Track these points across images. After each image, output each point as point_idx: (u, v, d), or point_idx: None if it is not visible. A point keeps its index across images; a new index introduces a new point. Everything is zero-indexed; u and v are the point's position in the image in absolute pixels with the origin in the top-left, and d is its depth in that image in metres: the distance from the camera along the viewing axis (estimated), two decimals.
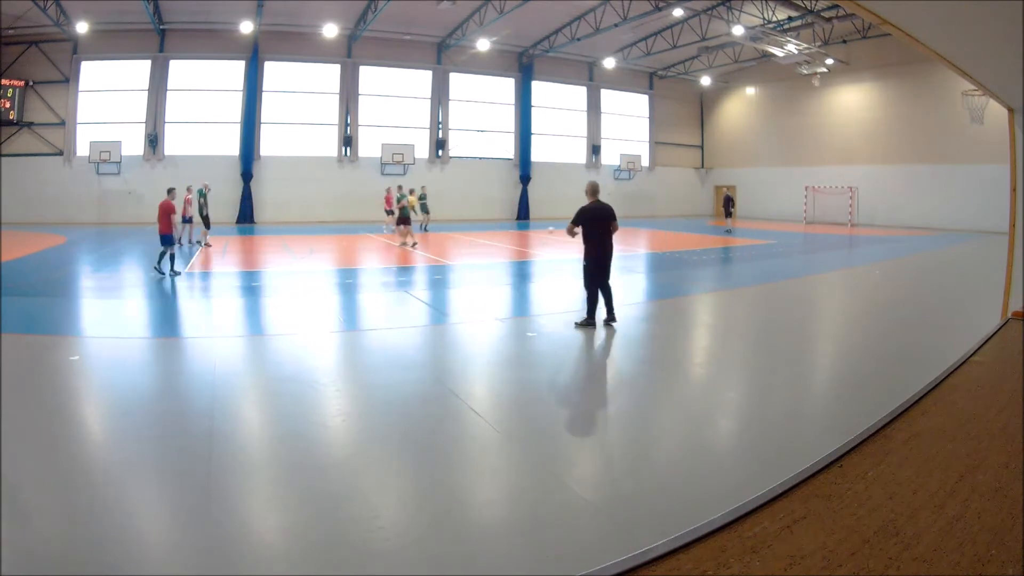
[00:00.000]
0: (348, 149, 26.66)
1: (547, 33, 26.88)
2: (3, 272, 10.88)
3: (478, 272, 12.91)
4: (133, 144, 23.68)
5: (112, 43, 22.67)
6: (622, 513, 3.22)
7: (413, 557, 2.84)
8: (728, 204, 24.02)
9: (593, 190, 7.48)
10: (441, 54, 27.83)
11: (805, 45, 24.80)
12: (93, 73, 23.24)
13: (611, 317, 7.45)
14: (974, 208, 23.20)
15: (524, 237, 21.44)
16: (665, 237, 21.53)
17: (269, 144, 25.50)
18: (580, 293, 10.96)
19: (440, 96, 28.27)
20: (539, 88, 29.97)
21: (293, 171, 25.55)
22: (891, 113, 26.96)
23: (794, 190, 29.96)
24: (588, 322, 7.38)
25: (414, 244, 16.42)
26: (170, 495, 3.39)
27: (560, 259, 15.38)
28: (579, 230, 7.35)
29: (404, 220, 16.40)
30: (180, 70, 24.16)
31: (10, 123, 21.84)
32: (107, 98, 23.49)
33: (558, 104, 30.90)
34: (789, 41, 24.49)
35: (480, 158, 29.34)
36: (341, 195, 26.35)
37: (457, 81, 28.65)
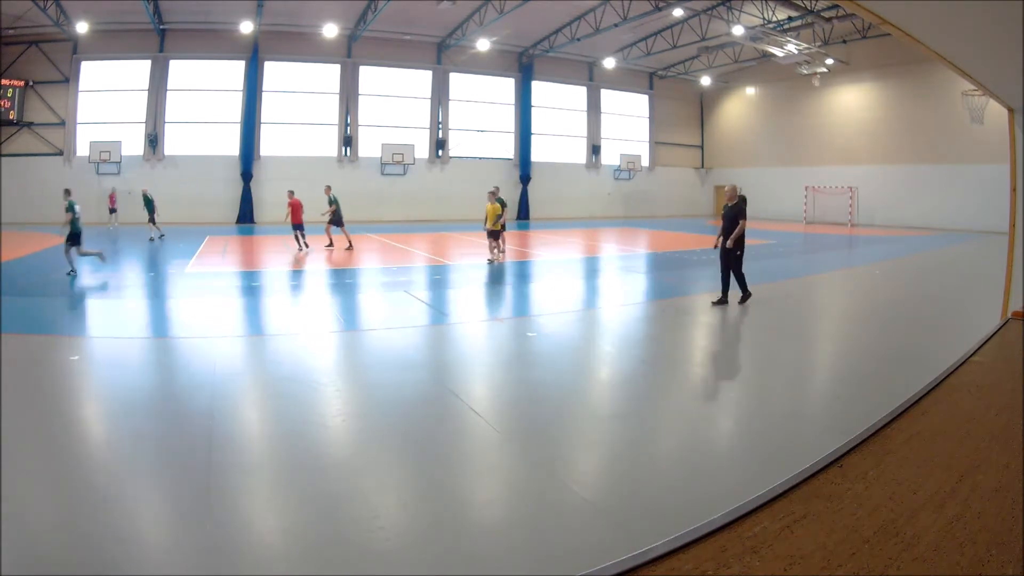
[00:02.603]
0: (348, 149, 26.66)
1: (547, 33, 26.89)
2: (3, 272, 10.88)
3: (477, 272, 12.91)
4: (133, 144, 23.69)
5: (112, 43, 22.66)
6: (622, 513, 3.22)
7: (413, 557, 2.84)
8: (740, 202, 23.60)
9: (728, 194, 9.01)
10: (441, 54, 27.83)
11: (805, 45, 24.81)
12: (93, 73, 23.25)
13: (742, 295, 8.77)
14: (974, 208, 23.21)
15: (524, 237, 21.44)
16: (665, 237, 21.53)
17: (269, 144, 25.51)
18: (584, 292, 11.04)
19: (440, 96, 28.27)
20: (539, 88, 29.98)
21: (293, 171, 25.52)
22: (891, 113, 26.97)
23: (794, 190, 29.98)
24: (719, 300, 8.72)
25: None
26: (170, 495, 3.39)
27: (559, 260, 15.38)
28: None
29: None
30: (180, 70, 24.16)
31: (10, 123, 21.84)
32: (107, 98, 23.50)
33: (558, 104, 30.91)
34: (789, 41, 24.50)
35: (480, 158, 29.35)
36: (341, 195, 26.23)
37: (457, 81, 28.66)
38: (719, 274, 8.82)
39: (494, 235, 13.26)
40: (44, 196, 22.47)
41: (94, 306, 9.06)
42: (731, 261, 8.65)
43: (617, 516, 3.18)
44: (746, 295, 8.77)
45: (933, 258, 16.14)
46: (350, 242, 15.67)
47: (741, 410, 4.98)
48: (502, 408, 4.95)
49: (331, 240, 15.74)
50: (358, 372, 6.04)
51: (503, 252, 13.32)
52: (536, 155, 29.93)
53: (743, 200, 8.79)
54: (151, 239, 17.32)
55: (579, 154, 31.75)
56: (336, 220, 15.63)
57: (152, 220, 18.15)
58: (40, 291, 9.86)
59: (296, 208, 15.33)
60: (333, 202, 15.81)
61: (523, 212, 29.52)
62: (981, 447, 1.72)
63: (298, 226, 15.28)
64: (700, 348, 7.18)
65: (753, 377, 5.96)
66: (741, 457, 4.00)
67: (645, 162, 33.45)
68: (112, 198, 20.94)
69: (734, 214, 8.64)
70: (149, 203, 18.30)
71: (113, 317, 8.37)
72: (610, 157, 32.17)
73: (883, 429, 1.85)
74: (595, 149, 31.83)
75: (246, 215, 24.66)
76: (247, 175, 24.68)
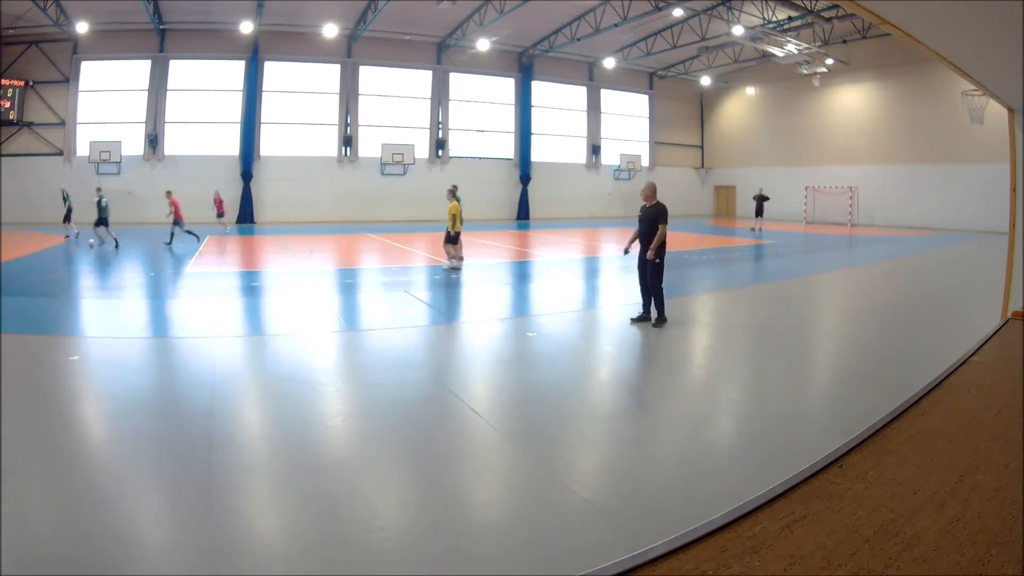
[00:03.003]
0: (348, 149, 26.66)
1: (547, 33, 26.89)
2: (3, 272, 10.88)
3: (478, 272, 12.91)
4: (133, 144, 23.69)
5: (112, 43, 22.67)
6: (622, 513, 3.22)
7: (413, 557, 2.84)
8: (760, 203, 22.90)
9: (644, 193, 7.66)
10: (441, 54, 27.84)
11: (805, 45, 24.81)
12: (93, 73, 23.25)
13: (645, 314, 7.60)
14: (974, 208, 23.21)
15: (524, 237, 21.44)
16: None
17: (269, 144, 25.52)
18: (591, 293, 10.98)
19: (440, 96, 28.27)
20: (539, 88, 29.98)
21: (293, 171, 25.56)
22: (891, 113, 26.97)
23: (794, 190, 29.97)
24: (639, 317, 7.63)
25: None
26: (170, 495, 3.39)
27: (559, 260, 15.38)
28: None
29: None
30: (180, 70, 24.17)
31: (10, 123, 21.84)
32: (107, 98, 23.50)
33: (558, 104, 30.91)
34: (789, 41, 24.50)
35: (480, 158, 29.35)
36: (341, 195, 26.36)
37: (457, 81, 28.66)
38: (639, 285, 7.77)
39: (455, 239, 12.06)
40: (44, 196, 22.50)
41: (94, 306, 9.06)
42: (650, 272, 7.42)
43: (617, 516, 3.18)
44: (662, 318, 7.46)
45: (933, 258, 16.14)
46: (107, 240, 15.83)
47: (741, 410, 4.98)
48: (502, 408, 4.94)
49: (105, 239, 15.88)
50: (358, 372, 6.04)
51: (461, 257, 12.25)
52: (536, 155, 29.92)
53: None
54: (91, 244, 15.99)
55: (579, 154, 31.74)
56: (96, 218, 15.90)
57: (67, 219, 17.36)
58: (40, 291, 9.86)
59: (177, 206, 16.43)
60: (66, 199, 16.18)
61: (523, 212, 29.53)
62: (981, 447, 1.73)
63: (179, 223, 16.29)
64: (700, 348, 7.17)
65: (753, 377, 5.96)
66: (741, 457, 4.00)
67: (645, 162, 33.45)
68: (219, 202, 20.94)
69: (652, 216, 7.39)
70: (68, 202, 17.51)
71: (113, 317, 8.37)
72: (610, 157, 32.16)
73: (883, 429, 1.85)
74: (595, 149, 31.83)
75: (246, 215, 24.66)
76: (247, 175, 24.69)
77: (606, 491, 3.53)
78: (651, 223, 7.38)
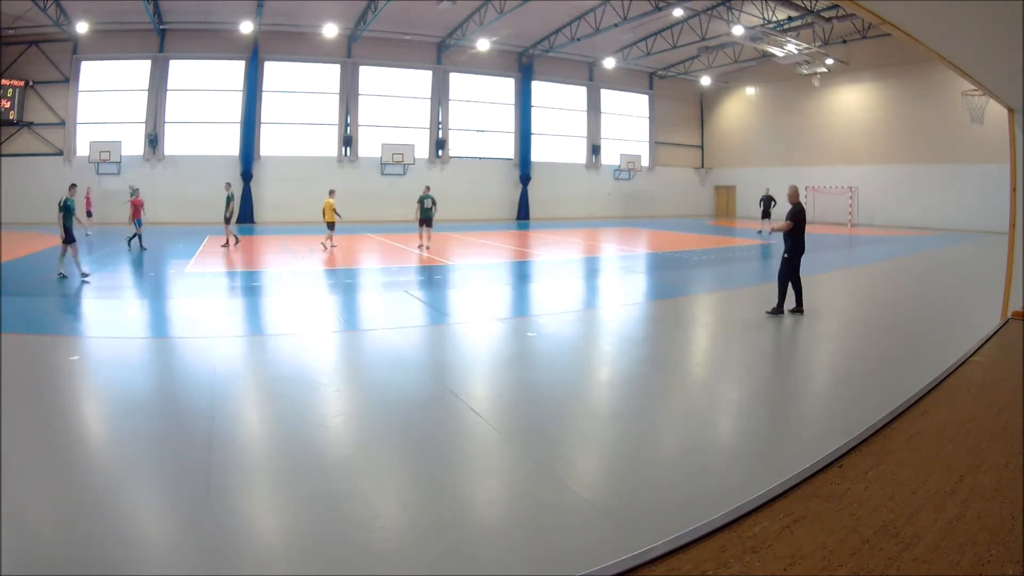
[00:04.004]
0: (348, 149, 26.65)
1: (547, 33, 26.88)
2: (3, 272, 10.88)
3: (478, 272, 12.92)
4: (133, 144, 23.67)
5: (112, 43, 22.66)
6: (622, 513, 3.22)
7: (413, 557, 2.84)
8: (768, 204, 21.21)
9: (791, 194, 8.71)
10: (441, 54, 27.83)
11: (805, 45, 24.80)
12: (93, 73, 23.23)
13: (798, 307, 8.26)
14: (974, 208, 23.20)
15: (524, 237, 21.44)
16: (665, 237, 21.52)
17: (269, 144, 25.49)
18: (591, 293, 10.96)
19: (440, 96, 28.26)
20: (539, 88, 29.97)
21: (293, 171, 25.53)
22: (891, 113, 26.96)
23: None
24: (777, 311, 8.15)
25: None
26: (170, 495, 3.39)
27: (559, 260, 15.38)
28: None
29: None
30: (180, 70, 24.15)
31: (10, 123, 21.83)
32: (107, 98, 23.49)
33: (558, 104, 30.89)
34: (789, 41, 24.49)
35: (480, 158, 29.34)
36: (341, 195, 26.26)
37: (457, 81, 28.65)
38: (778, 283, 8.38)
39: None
40: (44, 196, 22.49)
41: (94, 306, 9.06)
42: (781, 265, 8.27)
43: (617, 516, 3.18)
44: (777, 309, 8.21)
45: (933, 258, 16.14)
46: (229, 241, 15.97)
47: (741, 410, 4.98)
48: (502, 408, 4.94)
49: (228, 240, 16.07)
50: (358, 372, 6.04)
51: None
52: (536, 155, 29.91)
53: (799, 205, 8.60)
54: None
55: (579, 154, 31.73)
56: (229, 218, 16.26)
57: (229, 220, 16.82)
58: (40, 291, 9.86)
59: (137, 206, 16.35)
60: (230, 200, 16.30)
61: (523, 212, 29.52)
62: (981, 447, 1.73)
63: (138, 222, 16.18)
64: (699, 348, 7.18)
65: (753, 377, 5.96)
66: (741, 457, 4.00)
67: (645, 162, 33.44)
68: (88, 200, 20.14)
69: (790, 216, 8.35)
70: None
71: (113, 317, 8.37)
72: (610, 157, 32.15)
73: (883, 429, 1.85)
74: (595, 149, 31.82)
75: (246, 215, 24.62)
76: (247, 175, 24.68)
77: (606, 491, 3.53)
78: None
